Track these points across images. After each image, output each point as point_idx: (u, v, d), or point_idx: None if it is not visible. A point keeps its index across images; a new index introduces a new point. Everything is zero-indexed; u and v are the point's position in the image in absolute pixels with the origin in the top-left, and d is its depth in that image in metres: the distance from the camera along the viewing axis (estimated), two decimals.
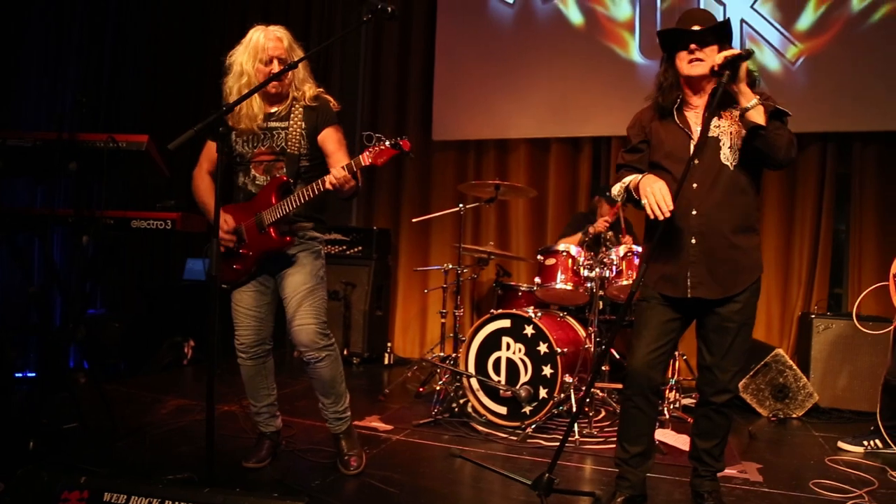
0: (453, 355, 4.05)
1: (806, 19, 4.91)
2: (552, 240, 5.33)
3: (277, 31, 2.73)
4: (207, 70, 5.97)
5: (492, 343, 3.73)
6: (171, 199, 3.26)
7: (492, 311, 3.83)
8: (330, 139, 2.77)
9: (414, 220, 4.86)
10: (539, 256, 4.15)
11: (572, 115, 5.40)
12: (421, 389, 4.33)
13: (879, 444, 3.44)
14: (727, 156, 2.37)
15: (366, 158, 2.46)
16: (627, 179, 2.46)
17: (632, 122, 2.60)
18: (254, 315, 2.83)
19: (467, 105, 5.67)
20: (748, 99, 2.24)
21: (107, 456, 2.92)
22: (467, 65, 5.66)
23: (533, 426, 3.53)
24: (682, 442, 3.42)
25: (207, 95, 5.89)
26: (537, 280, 4.09)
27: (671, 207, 2.22)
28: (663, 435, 3.50)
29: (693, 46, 2.34)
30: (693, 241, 2.39)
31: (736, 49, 2.24)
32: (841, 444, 3.56)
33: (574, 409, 3.54)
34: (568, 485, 2.87)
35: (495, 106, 5.59)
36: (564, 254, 4.02)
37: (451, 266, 4.39)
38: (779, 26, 4.94)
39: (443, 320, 4.42)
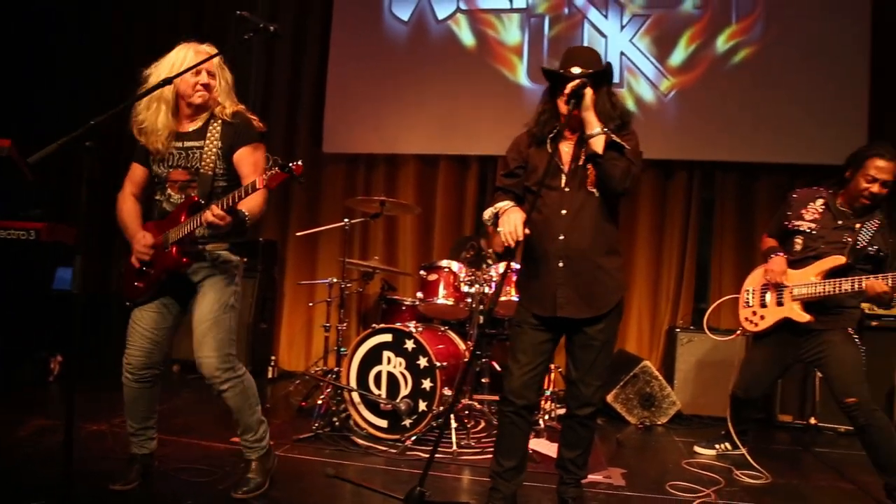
0: (336, 369, 4.04)
1: (678, 56, 5.30)
2: (437, 256, 5.44)
3: (206, 48, 2.70)
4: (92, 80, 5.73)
5: (373, 357, 3.75)
6: (38, 209, 3.08)
7: (374, 325, 3.86)
8: (245, 161, 2.68)
9: (298, 234, 4.82)
10: (422, 272, 4.22)
11: (461, 133, 5.55)
12: (303, 403, 4.28)
13: (729, 447, 3.73)
14: (594, 184, 2.52)
15: (260, 182, 2.41)
16: (500, 205, 2.57)
17: (510, 147, 2.71)
18: (149, 337, 2.73)
19: (359, 119, 5.69)
20: (592, 128, 2.43)
21: None
22: (360, 79, 5.69)
23: (412, 439, 3.58)
24: (554, 451, 3.54)
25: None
26: (419, 295, 4.16)
27: (519, 238, 2.34)
28: (537, 444, 3.64)
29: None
30: (560, 264, 2.52)
31: (577, 80, 2.40)
32: (696, 448, 3.84)
33: (450, 421, 3.61)
34: (444, 496, 2.93)
35: (386, 121, 5.65)
36: (446, 270, 4.12)
37: (335, 280, 4.38)
38: (654, 60, 5.30)
39: (326, 334, 4.40)
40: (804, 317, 3.24)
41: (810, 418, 4.43)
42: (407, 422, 3.62)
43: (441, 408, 3.64)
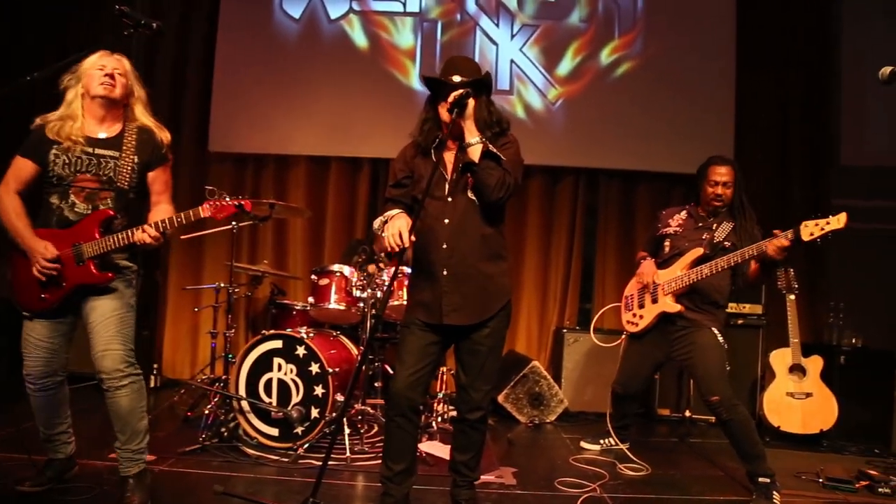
0: (224, 377, 3.89)
1: (565, 66, 5.50)
2: (329, 259, 5.37)
3: (118, 56, 2.68)
4: None
5: (263, 364, 3.65)
6: None
7: (263, 331, 3.75)
8: (159, 180, 2.73)
9: (183, 237, 4.60)
10: (313, 276, 4.15)
11: (353, 134, 5.49)
12: (189, 413, 4.09)
13: (612, 442, 3.92)
14: (474, 191, 2.56)
15: (204, 211, 2.52)
16: (389, 214, 2.58)
17: (397, 157, 2.74)
18: (46, 346, 2.62)
19: (248, 117, 5.51)
20: (472, 136, 2.48)
21: None
22: (249, 77, 5.50)
23: (305, 446, 3.50)
24: (447, 453, 3.58)
25: None
26: (311, 300, 4.09)
27: (404, 245, 2.37)
28: (430, 447, 3.66)
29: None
30: (445, 272, 2.56)
31: (459, 91, 2.45)
32: (582, 444, 4.01)
33: (343, 427, 3.58)
34: None
35: (277, 120, 5.50)
36: (338, 274, 4.07)
37: (223, 284, 4.22)
38: (542, 70, 5.48)
39: (213, 341, 4.23)
40: (675, 307, 3.47)
41: (685, 411, 4.73)
42: (299, 429, 3.54)
43: (333, 414, 3.59)
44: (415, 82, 5.52)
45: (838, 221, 3.04)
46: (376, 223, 2.63)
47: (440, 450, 3.65)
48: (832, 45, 5.56)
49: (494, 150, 2.49)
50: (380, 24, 5.55)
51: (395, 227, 2.41)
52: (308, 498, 2.31)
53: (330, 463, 3.31)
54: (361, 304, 3.98)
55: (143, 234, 2.50)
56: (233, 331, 4.06)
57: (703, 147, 5.24)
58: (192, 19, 5.61)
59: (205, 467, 3.27)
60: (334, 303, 4.00)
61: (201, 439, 3.55)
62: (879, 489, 3.36)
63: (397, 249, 2.37)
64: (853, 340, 4.97)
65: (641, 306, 3.69)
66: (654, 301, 3.59)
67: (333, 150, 5.55)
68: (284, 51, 5.56)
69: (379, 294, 3.92)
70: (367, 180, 5.65)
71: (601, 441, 3.98)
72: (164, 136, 2.75)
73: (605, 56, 5.49)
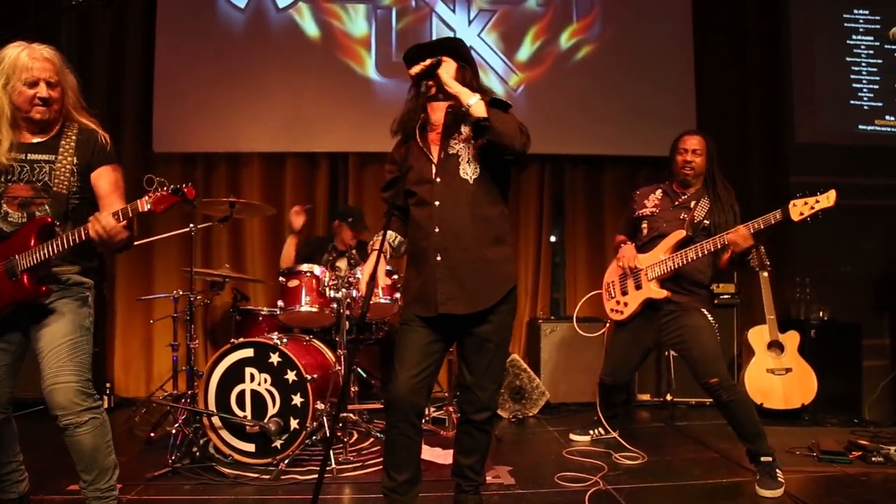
0: (189, 392, 3.60)
1: (525, 51, 5.38)
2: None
3: (45, 51, 2.33)
4: None
5: (234, 375, 3.38)
6: None
7: (232, 339, 3.48)
8: (105, 178, 2.42)
9: (135, 244, 4.24)
10: (281, 278, 3.90)
11: (308, 129, 5.24)
12: (152, 435, 3.76)
13: (602, 431, 3.83)
14: (466, 170, 2.40)
15: (143, 204, 2.18)
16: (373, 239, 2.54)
17: (386, 160, 2.60)
18: None
19: (194, 114, 5.18)
20: (467, 97, 2.29)
21: None
22: (193, 71, 5.16)
23: (286, 460, 3.26)
24: (437, 455, 3.43)
25: None
26: (280, 303, 3.83)
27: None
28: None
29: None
30: (438, 258, 2.38)
31: (424, 63, 2.32)
32: (572, 436, 3.90)
33: (335, 436, 3.36)
34: None
35: (226, 116, 5.18)
36: (308, 274, 3.83)
37: (181, 292, 3.93)
38: (502, 56, 5.35)
39: (175, 353, 3.93)
40: (662, 293, 3.36)
41: (666, 395, 4.68)
42: (278, 443, 3.30)
43: (314, 423, 3.36)
44: (371, 72, 5.30)
45: (828, 199, 2.99)
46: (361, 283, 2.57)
47: (429, 453, 3.47)
48: (783, 18, 5.62)
49: (498, 97, 2.33)
50: (331, 11, 5.30)
51: (366, 273, 2.39)
52: None
53: (315, 476, 3.13)
54: (335, 305, 3.75)
55: (96, 224, 2.18)
56: (196, 342, 3.77)
57: (666, 128, 5.16)
58: (129, 10, 5.22)
59: (178, 492, 2.99)
60: (306, 305, 3.75)
61: (171, 461, 3.25)
62: (873, 458, 3.38)
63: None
64: (820, 314, 5.03)
65: (625, 293, 3.56)
66: (638, 287, 3.48)
67: (288, 145, 5.27)
68: (230, 43, 5.24)
69: (355, 293, 3.70)
70: (326, 175, 5.40)
71: (591, 431, 3.88)
72: (102, 132, 2.47)
73: (565, 40, 5.39)
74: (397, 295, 3.88)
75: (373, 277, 2.32)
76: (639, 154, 5.33)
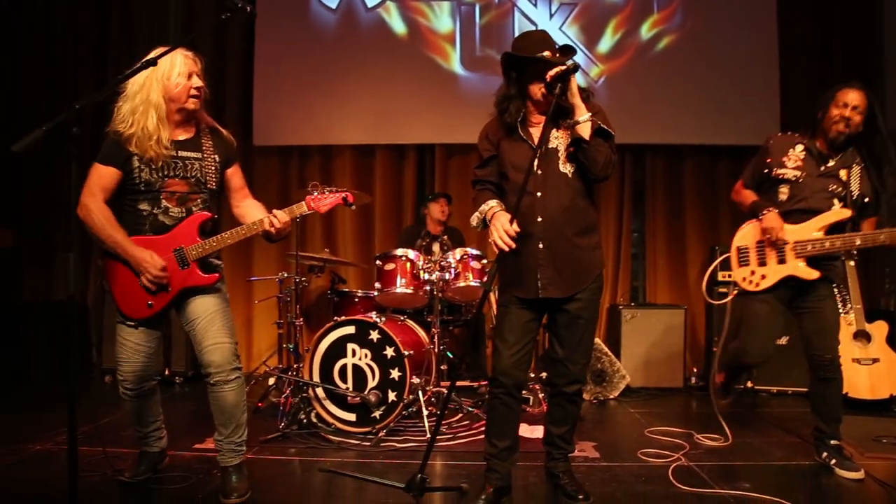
0: (295, 366, 3.92)
1: (605, 43, 5.48)
2: (379, 246, 5.40)
3: (197, 58, 2.65)
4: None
5: (337, 350, 3.68)
6: None
7: (335, 318, 3.77)
8: (238, 174, 2.77)
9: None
10: (377, 262, 4.17)
11: (396, 122, 5.51)
12: (260, 404, 4.13)
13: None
14: (565, 165, 2.56)
15: (309, 204, 2.59)
16: (484, 209, 2.61)
17: (480, 137, 2.72)
18: (143, 351, 2.66)
19: (290, 110, 5.53)
20: (581, 113, 2.44)
21: None
22: (289, 69, 5.52)
23: (385, 430, 3.54)
24: (523, 430, 3.62)
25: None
26: (377, 285, 4.10)
27: (512, 246, 2.40)
28: None
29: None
30: (540, 245, 2.55)
31: (562, 66, 2.39)
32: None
33: (422, 409, 3.62)
34: (430, 483, 2.91)
35: (319, 111, 5.51)
36: (403, 258, 4.08)
37: (286, 275, 4.26)
38: (583, 48, 5.45)
39: (280, 331, 4.27)
40: (813, 273, 3.07)
41: (748, 382, 4.72)
42: (377, 413, 3.58)
43: (411, 396, 3.62)
44: (456, 66, 5.51)
45: None
46: (473, 220, 2.66)
47: None
48: (875, 9, 5.50)
49: (606, 127, 2.47)
50: (417, 9, 5.54)
51: (499, 228, 2.42)
52: (416, 474, 2.40)
53: (411, 444, 3.39)
54: (429, 287, 4.00)
55: (274, 220, 2.55)
56: (301, 320, 4.09)
57: (749, 117, 5.27)
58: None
59: (289, 454, 3.31)
60: (401, 286, 4.01)
61: (281, 427, 3.59)
62: None
63: (507, 250, 2.40)
64: None
65: (762, 264, 3.18)
66: (781, 262, 3.12)
67: (377, 137, 5.56)
68: (323, 42, 5.56)
69: (447, 276, 3.94)
70: (413, 167, 5.67)
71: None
72: (228, 133, 2.79)
73: (646, 31, 5.46)
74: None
75: (493, 273, 2.54)
76: (720, 143, 5.34)
